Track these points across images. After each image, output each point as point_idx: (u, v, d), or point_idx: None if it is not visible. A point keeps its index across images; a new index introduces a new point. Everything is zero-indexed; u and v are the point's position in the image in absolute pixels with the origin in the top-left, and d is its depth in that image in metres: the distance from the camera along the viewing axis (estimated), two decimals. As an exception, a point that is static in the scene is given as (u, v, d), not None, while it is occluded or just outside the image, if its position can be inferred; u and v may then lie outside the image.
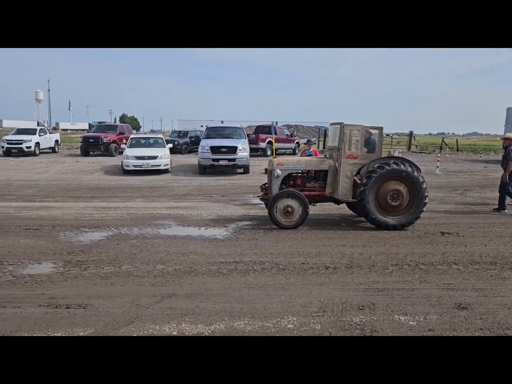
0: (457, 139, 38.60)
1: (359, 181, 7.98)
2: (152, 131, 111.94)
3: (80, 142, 26.25)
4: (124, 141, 26.91)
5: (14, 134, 26.28)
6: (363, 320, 4.10)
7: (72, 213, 9.23)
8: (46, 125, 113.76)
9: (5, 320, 4.05)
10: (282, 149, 27.82)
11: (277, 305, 4.45)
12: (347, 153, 7.99)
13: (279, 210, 7.88)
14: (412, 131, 35.30)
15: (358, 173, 8.15)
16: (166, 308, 4.36)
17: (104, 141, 25.04)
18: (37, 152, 25.49)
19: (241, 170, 17.36)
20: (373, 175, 7.64)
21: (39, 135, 26.10)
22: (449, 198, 11.81)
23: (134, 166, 16.46)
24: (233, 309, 4.34)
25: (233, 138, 17.62)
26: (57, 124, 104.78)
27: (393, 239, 7.20)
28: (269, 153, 24.67)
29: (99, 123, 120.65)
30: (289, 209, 7.86)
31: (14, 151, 24.58)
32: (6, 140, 24.99)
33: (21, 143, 24.66)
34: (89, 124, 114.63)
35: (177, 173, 17.51)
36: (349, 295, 4.73)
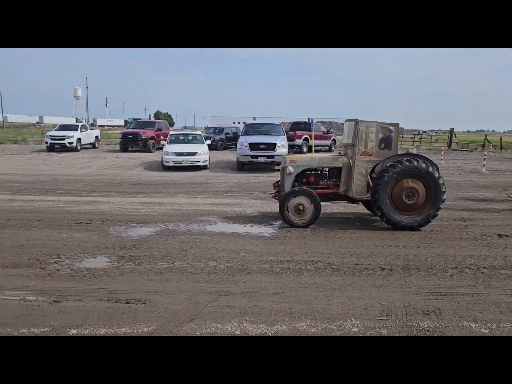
0: (500, 137, 36.99)
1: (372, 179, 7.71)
2: (185, 128, 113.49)
3: (120, 138, 26.85)
4: (162, 137, 27.44)
5: (57, 130, 27.17)
6: (431, 325, 3.93)
7: (119, 208, 9.40)
8: (83, 122, 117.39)
9: (70, 314, 4.13)
10: (318, 146, 27.45)
11: (337, 307, 4.33)
12: (361, 150, 7.76)
13: (291, 209, 7.75)
14: (453, 128, 34.11)
15: (373, 171, 7.91)
16: (224, 306, 4.33)
17: (143, 137, 25.50)
18: (79, 147, 26.26)
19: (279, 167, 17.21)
20: (386, 174, 7.41)
21: (81, 131, 26.89)
22: (500, 198, 11.28)
23: (174, 162, 16.66)
24: (292, 309, 4.26)
25: (271, 135, 17.52)
26: (94, 120, 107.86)
27: (447, 241, 6.91)
28: (305, 150, 24.41)
29: (134, 119, 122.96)
30: (301, 208, 7.71)
31: (57, 147, 25.43)
32: (50, 136, 25.87)
33: (63, 139, 25.47)
34: (124, 120, 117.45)
35: (215, 169, 17.59)
36: (411, 299, 4.55)
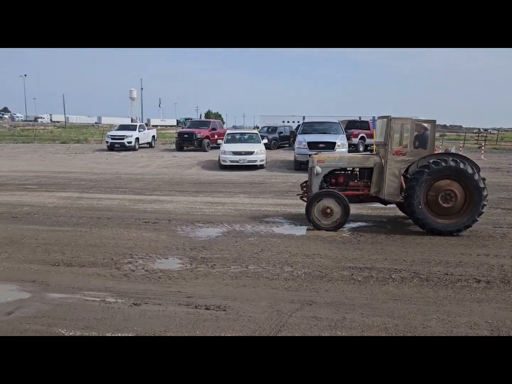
0: None
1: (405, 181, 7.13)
2: (234, 127, 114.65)
3: (176, 137, 27.36)
4: (216, 136, 27.65)
5: (117, 130, 28.13)
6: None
7: (183, 207, 9.38)
8: (138, 122, 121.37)
9: (151, 319, 4.00)
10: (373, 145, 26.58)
11: (437, 323, 3.90)
12: (394, 149, 7.25)
13: (318, 211, 7.38)
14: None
15: (406, 171, 7.35)
16: (310, 317, 4.03)
17: (198, 137, 25.80)
18: (137, 147, 27.03)
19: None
20: (420, 175, 6.86)
21: (139, 131, 27.67)
22: None
23: (231, 161, 16.60)
24: (387, 324, 3.88)
25: (330, 133, 17.02)
26: (148, 120, 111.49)
27: (544, 250, 6.20)
28: (361, 149, 23.62)
29: (185, 119, 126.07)
30: (328, 210, 7.32)
31: (117, 146, 26.30)
32: (110, 135, 26.82)
33: (123, 139, 26.30)
34: (177, 120, 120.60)
35: (272, 168, 17.36)
36: (521, 318, 4.02)
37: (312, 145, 15.88)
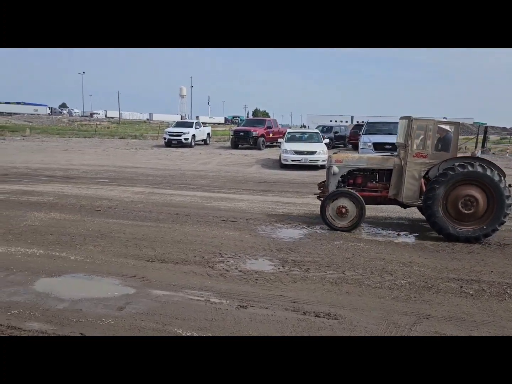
0: None
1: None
2: (281, 126, 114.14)
3: (231, 135, 27.57)
4: (271, 135, 27.57)
5: (174, 126, 28.73)
6: None
7: (256, 206, 9.29)
8: (187, 119, 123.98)
9: (263, 323, 3.89)
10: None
11: None
12: (415, 151, 7.00)
13: (333, 211, 7.25)
14: None
15: (427, 174, 7.04)
16: (432, 332, 3.76)
17: (253, 135, 25.84)
18: (193, 144, 27.48)
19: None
20: (440, 178, 6.59)
21: (195, 128, 28.12)
22: None
23: (293, 160, 16.40)
24: (523, 346, 3.53)
25: (395, 134, 16.40)
26: (197, 117, 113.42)
27: None
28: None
29: (233, 117, 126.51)
30: (343, 210, 7.18)
31: (174, 142, 26.85)
32: (168, 132, 27.43)
33: (180, 135, 26.83)
34: (224, 118, 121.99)
35: (333, 169, 16.97)
36: None
37: (378, 146, 15.40)
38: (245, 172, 15.61)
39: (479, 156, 7.17)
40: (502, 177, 6.57)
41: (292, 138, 18.18)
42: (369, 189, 7.65)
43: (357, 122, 32.66)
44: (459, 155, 7.26)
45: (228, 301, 4.33)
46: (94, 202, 9.22)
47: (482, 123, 27.91)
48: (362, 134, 16.99)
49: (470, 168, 6.52)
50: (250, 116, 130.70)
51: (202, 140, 29.66)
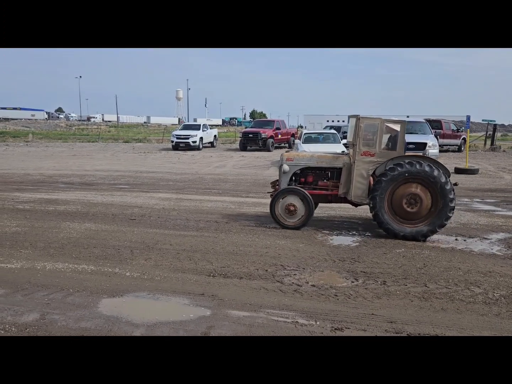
0: None
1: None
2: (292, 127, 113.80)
3: (240, 137, 27.17)
4: (280, 136, 27.21)
5: (181, 129, 28.29)
6: None
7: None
8: (185, 121, 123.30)
9: (370, 348, 3.48)
10: (446, 145, 25.21)
11: None
12: (362, 150, 6.96)
13: (282, 208, 7.28)
14: None
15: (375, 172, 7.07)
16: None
17: (262, 136, 25.52)
18: (201, 146, 27.07)
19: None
20: (384, 177, 6.66)
21: (203, 131, 27.69)
22: None
23: (312, 162, 16.00)
24: None
25: (417, 133, 16.10)
26: (195, 120, 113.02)
27: None
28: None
29: (230, 119, 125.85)
30: (292, 208, 7.21)
31: (182, 145, 26.43)
32: (176, 135, 26.97)
33: (188, 138, 26.40)
34: (222, 120, 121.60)
35: (353, 170, 16.61)
36: None
37: (402, 146, 15.02)
38: (265, 175, 15.22)
39: (427, 156, 7.05)
40: (446, 176, 6.56)
41: (309, 139, 17.79)
42: (320, 188, 7.63)
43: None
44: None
45: (318, 323, 3.92)
46: (125, 210, 8.79)
47: (491, 121, 27.58)
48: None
49: (416, 167, 6.51)
50: (248, 118, 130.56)
51: (209, 143, 29.24)
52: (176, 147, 26.57)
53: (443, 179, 6.50)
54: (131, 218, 8.02)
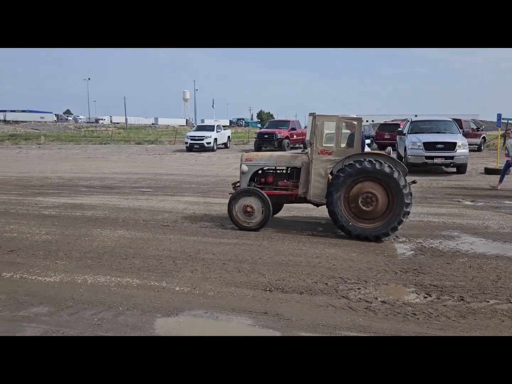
0: None
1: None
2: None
3: (255, 138, 26.75)
4: (295, 136, 26.75)
5: (195, 130, 27.93)
6: None
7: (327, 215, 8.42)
8: (192, 122, 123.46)
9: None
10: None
11: None
12: (320, 148, 6.86)
13: (239, 210, 7.14)
14: None
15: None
16: None
17: (278, 137, 25.10)
18: (215, 147, 26.68)
19: (454, 170, 15.23)
20: (341, 174, 6.55)
21: (217, 132, 27.31)
22: None
23: (336, 163, 15.55)
24: None
25: (445, 133, 15.58)
26: (202, 121, 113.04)
27: None
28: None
29: (238, 119, 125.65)
30: (249, 209, 7.07)
31: (196, 147, 26.07)
32: (190, 136, 26.61)
33: (202, 139, 26.03)
34: (230, 120, 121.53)
35: (377, 171, 16.09)
36: None
37: (429, 146, 14.52)
38: (289, 177, 14.75)
39: (388, 154, 6.95)
40: (402, 175, 6.40)
41: (330, 139, 17.30)
42: (281, 188, 7.47)
43: (385, 121, 31.75)
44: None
45: (407, 348, 3.46)
46: (155, 215, 8.38)
47: (510, 119, 26.63)
48: (408, 133, 16.07)
49: (362, 165, 6.40)
50: (255, 118, 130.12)
51: (223, 144, 28.86)
52: (190, 148, 26.23)
53: (402, 182, 6.35)
54: (164, 225, 7.61)
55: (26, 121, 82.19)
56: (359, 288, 4.73)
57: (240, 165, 7.61)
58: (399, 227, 6.52)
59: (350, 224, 6.60)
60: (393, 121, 33.73)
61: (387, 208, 6.51)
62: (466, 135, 20.92)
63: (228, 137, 29.83)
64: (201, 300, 4.40)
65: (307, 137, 7.50)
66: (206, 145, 25.94)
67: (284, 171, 7.67)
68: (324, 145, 6.91)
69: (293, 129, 26.45)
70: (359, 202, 6.55)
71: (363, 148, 7.30)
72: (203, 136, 26.07)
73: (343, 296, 4.52)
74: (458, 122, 24.81)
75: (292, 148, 26.30)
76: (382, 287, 4.80)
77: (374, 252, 6.08)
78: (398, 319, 4.01)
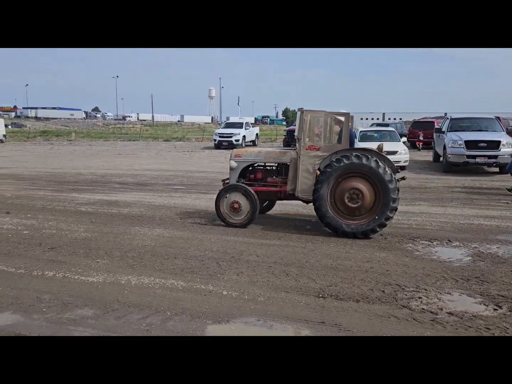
0: None
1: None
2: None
3: (284, 135, 26.44)
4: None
5: (224, 128, 27.83)
6: None
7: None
8: (217, 120, 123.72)
9: None
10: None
11: None
12: (307, 144, 6.73)
13: (227, 206, 7.05)
14: None
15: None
16: None
17: (308, 135, 24.61)
18: (243, 145, 26.45)
19: (496, 170, 14.53)
20: (327, 169, 6.43)
21: (245, 129, 27.12)
22: None
23: (371, 161, 15.08)
24: None
25: (487, 130, 14.88)
26: (227, 118, 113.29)
27: None
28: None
29: (263, 117, 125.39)
30: (236, 206, 6.97)
31: (225, 144, 25.94)
32: (218, 133, 26.53)
33: (231, 137, 25.91)
34: (255, 118, 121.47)
35: (414, 170, 15.54)
36: None
37: (471, 144, 13.86)
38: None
39: (380, 151, 6.85)
40: (389, 170, 6.27)
41: (366, 137, 16.81)
42: (270, 184, 7.36)
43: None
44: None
45: (489, 368, 3.11)
46: (191, 214, 8.20)
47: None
48: (447, 131, 15.42)
49: (349, 160, 6.28)
50: (280, 116, 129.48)
51: (251, 141, 28.63)
52: (218, 145, 26.14)
53: (387, 177, 6.22)
54: (202, 224, 7.40)
55: (56, 118, 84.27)
56: (420, 297, 4.38)
57: (230, 161, 7.53)
58: (387, 223, 6.40)
59: (337, 221, 6.46)
60: (422, 118, 32.79)
61: (374, 204, 6.38)
62: (509, 133, 19.99)
63: (256, 134, 29.62)
64: (252, 306, 4.15)
65: (296, 133, 7.42)
66: (234, 142, 25.77)
67: (273, 168, 7.60)
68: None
69: (323, 126, 25.94)
70: (345, 198, 6.42)
71: (352, 143, 7.14)
72: (232, 134, 25.95)
73: (404, 306, 4.17)
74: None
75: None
76: (445, 296, 4.43)
77: (428, 257, 5.70)
78: (470, 333, 3.65)
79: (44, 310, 4.01)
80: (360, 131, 17.53)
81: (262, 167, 7.68)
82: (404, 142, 16.32)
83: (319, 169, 6.74)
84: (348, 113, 6.82)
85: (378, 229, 6.40)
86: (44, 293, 4.38)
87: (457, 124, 15.80)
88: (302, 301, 4.27)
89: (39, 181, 12.70)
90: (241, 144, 26.04)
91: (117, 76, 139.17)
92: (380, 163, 6.27)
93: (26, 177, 13.47)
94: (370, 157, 6.29)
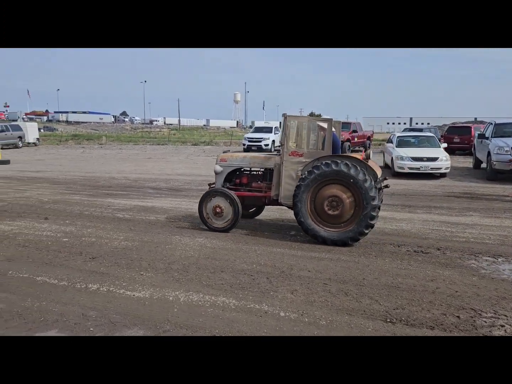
0: None
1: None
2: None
3: (314, 140, 25.97)
4: (356, 139, 25.65)
5: (253, 132, 27.59)
6: None
7: (421, 228, 7.53)
8: (242, 124, 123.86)
9: None
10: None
11: None
12: (291, 150, 6.64)
13: (210, 210, 7.04)
14: None
15: None
16: None
17: (339, 140, 24.06)
18: (272, 149, 26.16)
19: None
20: (307, 176, 6.34)
21: (274, 133, 26.80)
22: None
23: (410, 168, 14.46)
24: None
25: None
26: (252, 122, 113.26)
27: None
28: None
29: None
30: (218, 210, 6.96)
31: (254, 148, 25.70)
32: (248, 138, 26.32)
33: (260, 141, 25.67)
34: (280, 122, 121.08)
35: (456, 177, 14.83)
36: None
37: (519, 151, 13.07)
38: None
39: (368, 157, 6.64)
40: (368, 178, 6.08)
41: (403, 143, 16.22)
42: (255, 189, 7.31)
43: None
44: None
45: None
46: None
47: None
48: (491, 136, 14.67)
49: (334, 167, 6.15)
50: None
51: (279, 146, 28.28)
52: (247, 150, 25.89)
53: (367, 183, 6.07)
54: (244, 233, 7.07)
55: (86, 122, 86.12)
56: (502, 325, 3.90)
57: (215, 165, 7.50)
58: (367, 231, 6.23)
59: (317, 228, 6.35)
60: (453, 123, 31.71)
61: (354, 212, 6.24)
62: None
63: (285, 139, 29.23)
64: (314, 331, 3.76)
65: (279, 138, 7.14)
66: (264, 146, 25.55)
67: (259, 173, 7.57)
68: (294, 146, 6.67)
69: (355, 131, 25.35)
70: (325, 206, 6.30)
71: (337, 150, 6.86)
72: (261, 138, 25.70)
73: (486, 336, 3.70)
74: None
75: (352, 152, 25.25)
76: (529, 323, 3.94)
77: (497, 276, 5.18)
78: None
79: (91, 329, 3.74)
80: (397, 137, 16.92)
81: (248, 172, 7.63)
82: (445, 148, 15.60)
83: (302, 175, 6.57)
84: (331, 119, 6.60)
85: (358, 237, 6.25)
86: (90, 309, 4.11)
87: (502, 130, 15.02)
88: (369, 327, 3.85)
89: (74, 185, 12.68)
90: (270, 149, 25.75)
91: (145, 81, 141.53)
92: (359, 170, 6.09)
93: (61, 181, 13.49)
94: (349, 164, 6.13)
